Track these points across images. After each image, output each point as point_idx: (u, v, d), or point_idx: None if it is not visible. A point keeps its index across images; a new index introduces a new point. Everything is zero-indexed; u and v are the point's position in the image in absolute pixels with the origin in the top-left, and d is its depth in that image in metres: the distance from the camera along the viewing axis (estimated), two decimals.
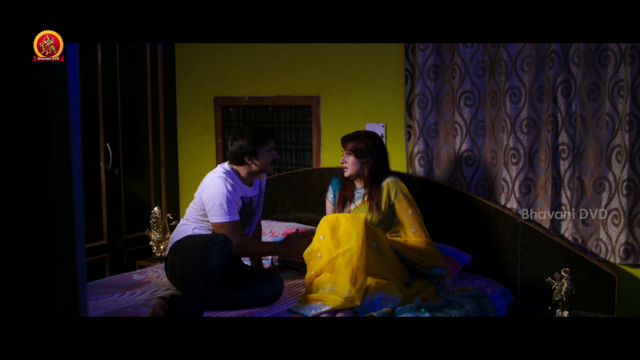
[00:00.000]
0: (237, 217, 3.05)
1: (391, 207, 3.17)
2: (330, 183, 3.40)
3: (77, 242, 0.89)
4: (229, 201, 3.00)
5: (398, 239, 3.14)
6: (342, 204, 3.28)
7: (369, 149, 3.18)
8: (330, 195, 3.37)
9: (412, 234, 3.13)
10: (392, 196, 3.17)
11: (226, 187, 3.02)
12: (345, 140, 3.24)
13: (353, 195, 3.27)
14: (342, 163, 3.23)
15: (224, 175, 3.07)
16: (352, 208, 3.24)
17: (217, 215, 3.01)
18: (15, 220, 0.87)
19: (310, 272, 2.93)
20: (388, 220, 3.17)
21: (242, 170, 3.14)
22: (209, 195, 3.03)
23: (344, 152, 3.23)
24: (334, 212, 3.30)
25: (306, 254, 3.01)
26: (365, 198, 3.21)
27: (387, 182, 3.19)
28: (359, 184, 3.27)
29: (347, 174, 3.23)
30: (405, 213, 3.15)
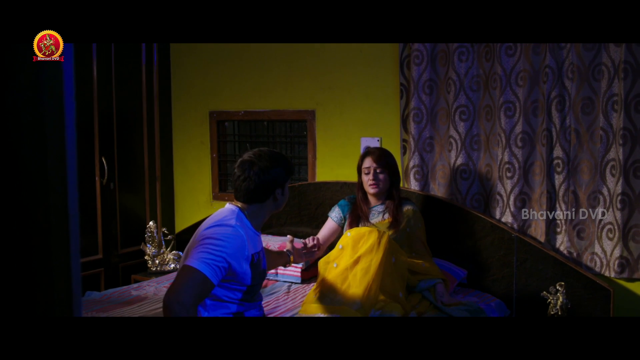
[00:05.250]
0: (210, 272, 2.09)
1: (407, 232, 3.17)
2: (338, 204, 3.35)
3: (72, 256, 0.88)
4: (227, 249, 2.14)
5: (406, 258, 3.11)
6: (357, 223, 3.21)
7: (397, 168, 3.23)
8: (337, 216, 3.31)
9: (416, 251, 3.15)
10: (412, 224, 3.17)
11: (241, 236, 2.19)
12: (379, 155, 3.16)
13: (370, 212, 3.23)
14: (373, 179, 3.12)
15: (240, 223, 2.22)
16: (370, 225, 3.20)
17: (192, 256, 2.11)
18: (10, 233, 0.86)
19: (320, 280, 2.92)
20: (399, 241, 3.14)
21: (259, 211, 2.32)
22: (210, 226, 2.21)
23: (375, 167, 3.13)
24: (339, 231, 3.29)
25: (322, 262, 2.99)
26: (388, 215, 3.17)
27: (410, 209, 3.20)
28: (375, 202, 3.24)
29: (375, 190, 3.16)
30: (417, 240, 3.18)
